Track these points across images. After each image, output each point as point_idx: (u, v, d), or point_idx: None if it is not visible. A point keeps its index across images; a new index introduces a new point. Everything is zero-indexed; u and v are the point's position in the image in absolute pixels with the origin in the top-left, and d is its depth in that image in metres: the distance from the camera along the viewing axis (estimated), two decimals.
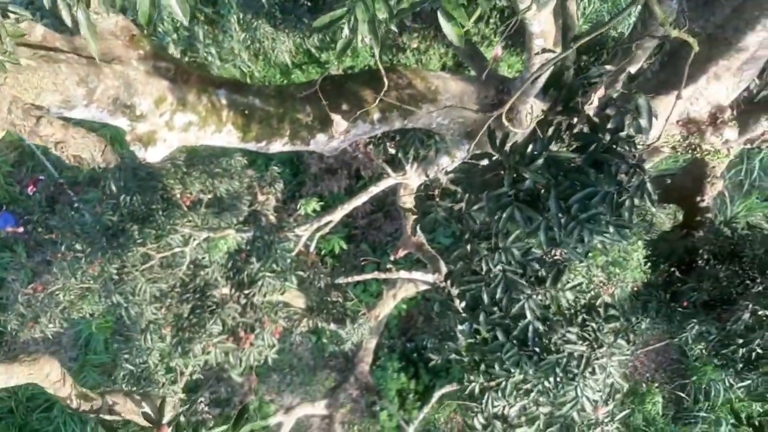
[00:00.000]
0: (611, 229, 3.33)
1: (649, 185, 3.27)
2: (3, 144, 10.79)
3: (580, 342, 4.12)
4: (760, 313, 6.06)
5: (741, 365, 5.87)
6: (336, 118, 4.04)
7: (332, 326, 8.31)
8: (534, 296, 4.06)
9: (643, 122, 3.35)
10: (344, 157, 11.52)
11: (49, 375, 2.91)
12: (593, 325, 4.16)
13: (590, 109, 3.59)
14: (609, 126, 3.34)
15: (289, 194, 11.42)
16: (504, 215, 3.39)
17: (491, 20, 8.14)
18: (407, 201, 6.77)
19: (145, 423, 2.69)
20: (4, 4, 2.87)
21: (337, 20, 1.95)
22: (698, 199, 8.12)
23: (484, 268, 4.10)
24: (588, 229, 3.27)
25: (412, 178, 6.59)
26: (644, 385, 9.46)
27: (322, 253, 11.53)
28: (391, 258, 7.04)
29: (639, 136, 3.45)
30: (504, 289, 4.05)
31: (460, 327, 4.64)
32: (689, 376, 11.03)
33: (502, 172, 3.38)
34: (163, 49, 4.29)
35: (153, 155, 4.28)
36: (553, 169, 3.28)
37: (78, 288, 6.64)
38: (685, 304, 7.00)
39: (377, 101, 4.21)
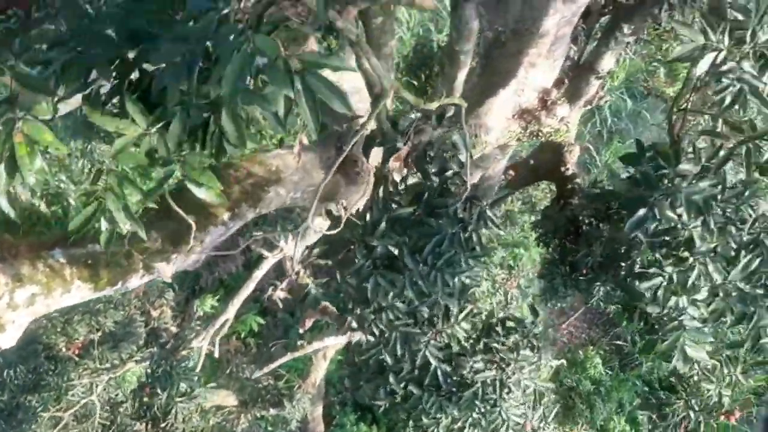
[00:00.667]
0: (470, 263, 3.41)
1: (488, 212, 3.36)
2: None
3: (489, 366, 4.18)
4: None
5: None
6: (160, 266, 3.92)
7: (272, 411, 8.09)
8: (432, 341, 4.10)
9: (462, 157, 3.45)
10: (231, 240, 11.26)
11: None
12: (495, 345, 4.23)
13: (413, 157, 3.67)
14: (434, 170, 3.42)
15: (189, 291, 11.05)
16: (369, 287, 3.40)
17: None
18: (294, 272, 6.69)
19: None
20: None
21: (91, 218, 1.88)
22: (563, 169, 8.50)
23: (377, 331, 4.09)
24: (448, 273, 3.33)
25: (291, 248, 6.52)
26: (580, 352, 9.79)
27: (243, 336, 11.22)
28: (300, 331, 6.93)
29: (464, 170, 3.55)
30: (402, 345, 4.06)
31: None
32: (620, 323, 11.45)
33: (352, 247, 3.40)
34: None
35: (6, 341, 4.00)
36: (398, 227, 3.33)
37: None
38: (584, 270, 7.28)
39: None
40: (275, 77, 1.59)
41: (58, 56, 1.83)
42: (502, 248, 8.48)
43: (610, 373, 10.33)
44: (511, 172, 8.95)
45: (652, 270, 3.04)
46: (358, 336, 6.10)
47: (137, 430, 5.91)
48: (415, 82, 8.56)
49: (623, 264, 3.50)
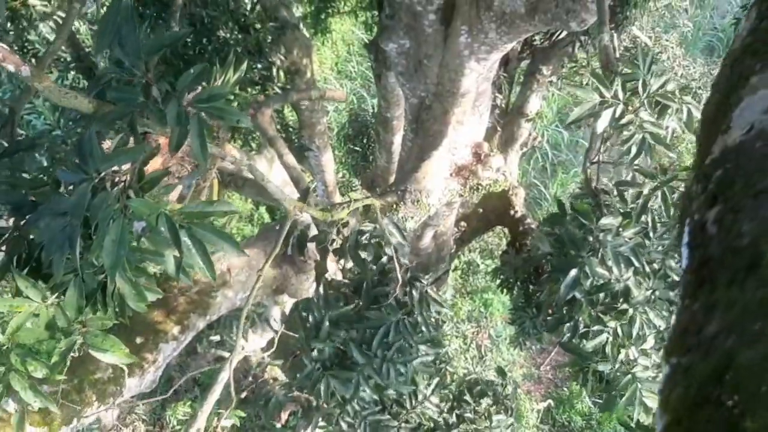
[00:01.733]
0: (421, 348, 3.36)
1: (430, 292, 3.34)
2: None
3: None
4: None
5: None
6: (128, 383, 3.81)
7: None
8: (403, 424, 3.99)
9: (395, 240, 3.44)
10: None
11: None
12: (469, 415, 4.15)
13: (346, 248, 3.64)
14: (369, 258, 3.39)
15: (162, 398, 10.69)
16: (322, 388, 3.31)
17: None
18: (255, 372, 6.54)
19: None
20: None
21: None
22: (512, 212, 8.60)
23: (345, 425, 3.98)
24: (400, 362, 3.27)
25: (244, 351, 6.40)
26: (566, 388, 9.67)
27: None
28: (277, 425, 6.73)
29: (401, 250, 3.54)
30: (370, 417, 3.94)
31: None
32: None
33: (298, 352, 3.32)
34: None
35: None
36: (343, 323, 3.27)
37: None
38: (549, 311, 7.27)
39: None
40: (157, 241, 1.56)
41: None
42: (469, 299, 8.41)
43: (599, 402, 10.20)
44: (463, 224, 9.02)
45: (595, 327, 3.04)
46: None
47: None
48: (358, 148, 8.67)
49: (567, 325, 3.48)
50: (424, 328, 3.29)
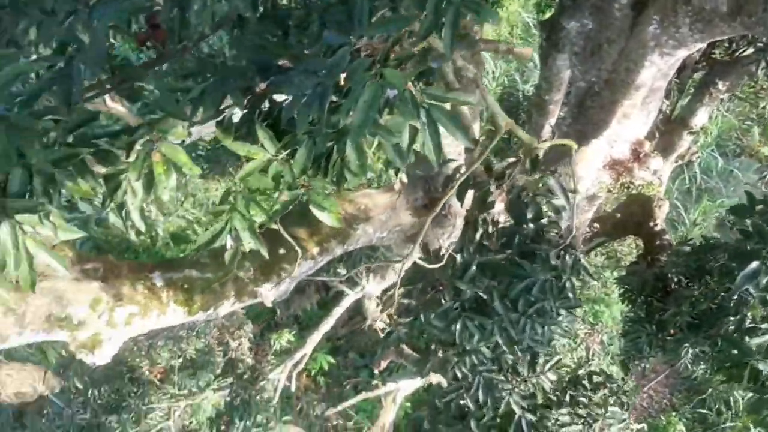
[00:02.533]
0: (562, 313, 3.34)
1: (583, 261, 3.30)
2: None
3: (575, 420, 4.03)
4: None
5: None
6: (263, 291, 4.03)
7: None
8: (516, 389, 4.00)
9: (558, 202, 3.41)
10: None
11: None
12: (583, 399, 4.09)
13: (506, 201, 3.66)
14: (529, 215, 3.40)
15: (264, 324, 11.25)
16: (457, 329, 3.37)
17: None
18: (374, 311, 6.73)
19: None
20: None
21: (219, 235, 1.98)
22: (651, 224, 8.24)
23: (459, 375, 4.04)
24: (539, 321, 3.26)
25: (372, 287, 6.58)
26: (662, 417, 9.26)
27: (312, 373, 11.26)
28: (375, 371, 6.93)
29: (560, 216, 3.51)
30: (485, 391, 3.98)
31: None
32: (704, 390, 10.83)
33: (441, 288, 3.40)
34: (87, 252, 4.29)
35: (102, 357, 4.18)
36: (488, 271, 3.31)
37: None
38: (672, 331, 6.96)
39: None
40: (404, 108, 1.65)
41: (195, 85, 1.96)
42: (583, 303, 8.21)
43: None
44: (596, 225, 8.75)
45: (765, 325, 2.89)
46: (436, 379, 6.03)
47: None
48: None
49: (731, 319, 3.33)
50: (570, 294, 3.26)
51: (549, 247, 3.28)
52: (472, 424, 4.09)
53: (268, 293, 4.78)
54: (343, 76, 1.75)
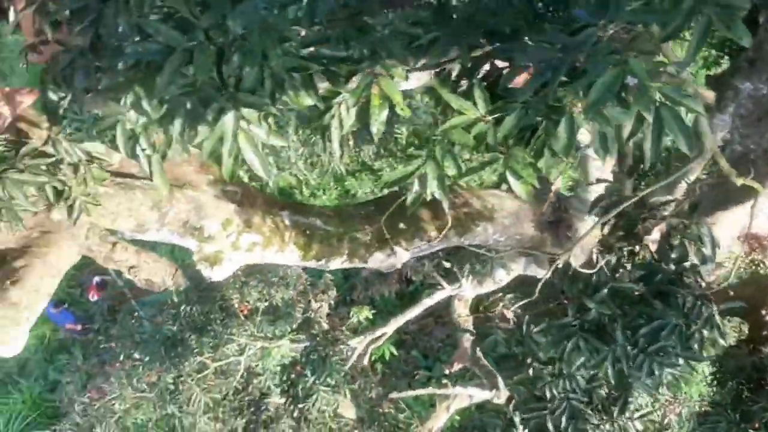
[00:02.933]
0: (681, 362, 3.23)
1: (717, 317, 3.18)
2: None
3: None
4: None
5: None
6: (399, 250, 4.12)
7: None
8: (601, 426, 3.90)
9: (707, 251, 3.31)
10: None
11: None
12: None
13: (651, 237, 3.58)
14: (673, 256, 3.31)
15: (341, 298, 11.45)
16: (569, 345, 3.33)
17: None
18: (462, 314, 6.73)
19: None
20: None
21: (408, 176, 2.05)
22: (763, 312, 7.79)
23: (548, 395, 3.98)
24: (657, 362, 3.17)
25: (467, 289, 6.58)
26: None
27: (372, 358, 11.37)
28: (446, 371, 6.92)
29: (704, 266, 3.40)
30: (569, 417, 3.91)
31: None
32: None
33: (565, 302, 3.36)
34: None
35: (218, 274, 4.42)
36: (618, 299, 3.25)
37: (133, 397, 6.70)
38: (756, 425, 6.59)
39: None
40: (641, 99, 1.65)
41: (425, 34, 2.04)
42: None
43: None
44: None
45: None
46: (503, 395, 5.96)
47: (274, 402, 6.18)
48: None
49: None
50: (696, 345, 3.15)
51: (686, 293, 3.18)
52: None
53: (377, 261, 4.89)
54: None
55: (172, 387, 6.40)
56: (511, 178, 1.94)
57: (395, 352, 11.28)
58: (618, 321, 3.23)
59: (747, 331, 8.30)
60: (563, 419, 3.91)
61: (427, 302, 6.43)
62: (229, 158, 2.04)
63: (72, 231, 3.45)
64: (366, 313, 8.37)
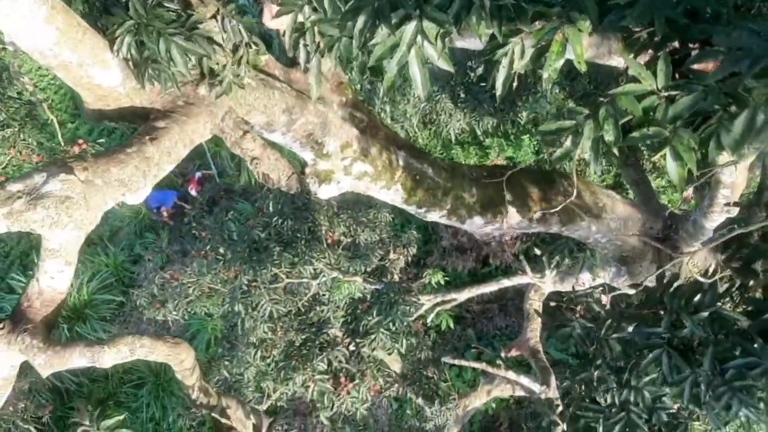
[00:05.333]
0: (762, 406, 3.10)
1: None
2: None
3: None
4: None
5: None
6: (511, 211, 4.11)
7: (420, 401, 8.20)
8: None
9: None
10: (476, 239, 11.52)
11: (183, 361, 3.11)
12: None
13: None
14: None
15: (415, 259, 11.55)
16: (651, 355, 3.26)
17: None
18: (535, 303, 6.65)
19: None
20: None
21: (564, 130, 2.04)
22: None
23: (608, 401, 3.93)
24: (739, 398, 3.06)
25: (548, 282, 6.49)
26: None
27: (428, 325, 11.48)
28: (502, 355, 6.91)
29: None
30: (622, 429, 3.85)
31: None
32: None
33: (662, 312, 3.27)
34: (361, 101, 4.60)
35: (324, 192, 4.55)
36: (717, 326, 3.13)
37: (208, 287, 7.07)
38: None
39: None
40: None
41: None
42: None
43: None
44: None
45: None
46: (552, 394, 5.90)
47: (335, 332, 6.37)
48: None
49: None
50: None
51: None
52: None
53: (475, 225, 4.90)
54: None
55: (245, 288, 6.71)
56: (669, 159, 1.89)
57: (452, 326, 11.33)
58: (710, 347, 3.12)
59: None
60: (616, 428, 3.86)
61: (505, 282, 6.39)
62: (396, 67, 2.09)
63: (212, 109, 3.64)
64: (439, 277, 8.42)
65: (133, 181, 3.23)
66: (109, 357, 2.92)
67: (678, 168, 1.87)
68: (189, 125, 3.51)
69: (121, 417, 3.01)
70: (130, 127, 3.98)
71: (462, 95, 7.94)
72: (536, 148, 11.01)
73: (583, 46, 1.93)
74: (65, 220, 2.76)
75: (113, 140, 11.75)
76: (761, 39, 1.73)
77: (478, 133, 11.12)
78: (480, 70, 6.98)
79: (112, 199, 3.14)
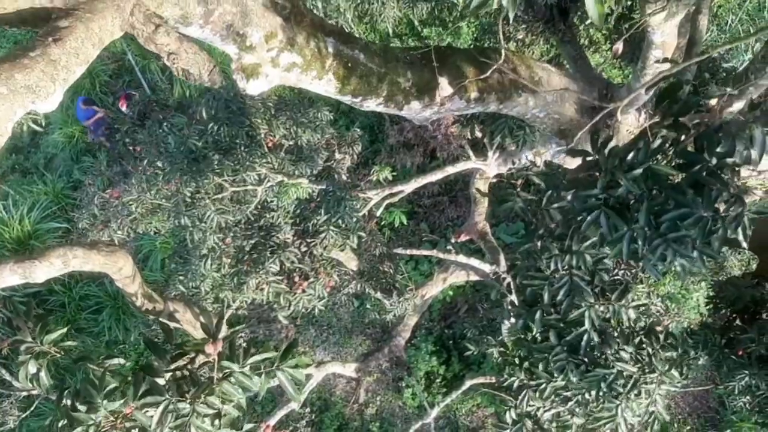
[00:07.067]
0: (695, 254, 3.23)
1: (746, 219, 3.14)
2: (105, 53, 11.24)
3: (632, 363, 4.02)
4: None
5: None
6: (442, 82, 4.01)
7: (378, 295, 8.38)
8: (596, 306, 3.99)
9: (754, 154, 3.20)
10: (423, 134, 11.49)
11: (122, 269, 3.04)
12: (649, 349, 4.05)
13: (700, 128, 3.45)
14: (718, 150, 3.21)
15: (362, 159, 11.49)
16: (589, 218, 3.32)
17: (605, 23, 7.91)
18: (480, 187, 6.72)
19: (201, 334, 2.78)
20: None
21: None
22: None
23: (552, 268, 4.04)
24: (673, 249, 3.17)
25: (492, 165, 6.54)
26: (675, 425, 9.20)
27: (382, 223, 11.60)
28: (452, 241, 7.01)
29: (745, 167, 3.31)
30: (567, 293, 3.99)
31: (511, 320, 4.60)
32: (723, 429, 10.69)
33: (597, 174, 3.31)
34: None
35: (253, 88, 4.36)
36: (651, 181, 3.19)
37: (151, 203, 6.89)
38: (739, 353, 6.77)
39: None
40: None
41: None
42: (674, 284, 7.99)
43: None
44: None
45: None
46: (498, 270, 6.07)
47: (285, 236, 6.33)
48: None
49: None
50: (716, 243, 3.14)
51: (722, 188, 3.12)
52: (537, 315, 4.14)
53: (417, 109, 4.80)
54: None
55: (189, 201, 6.56)
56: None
57: (405, 222, 11.48)
58: (645, 202, 3.19)
59: (755, 267, 8.31)
60: (561, 292, 3.99)
61: (450, 170, 6.41)
62: None
63: (118, 3, 3.36)
64: (387, 173, 8.40)
65: (41, 86, 3.00)
66: (42, 271, 2.81)
67: (597, 5, 1.80)
68: (95, 22, 3.24)
69: (64, 330, 2.94)
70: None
71: None
72: (475, 35, 10.79)
73: None
74: None
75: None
76: None
77: (416, 23, 10.82)
78: None
79: (21, 108, 2.92)
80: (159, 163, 6.68)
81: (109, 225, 6.74)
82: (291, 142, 7.38)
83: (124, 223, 6.72)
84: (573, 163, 6.11)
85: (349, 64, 4.46)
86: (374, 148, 11.65)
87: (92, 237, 6.90)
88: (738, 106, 4.39)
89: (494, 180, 6.89)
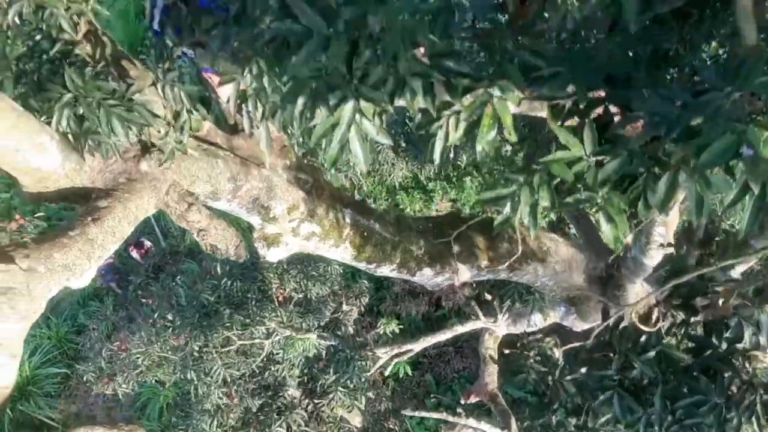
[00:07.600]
0: None
1: (759, 407, 3.15)
2: None
3: None
4: None
5: None
6: (462, 268, 4.18)
7: None
8: None
9: (762, 340, 3.28)
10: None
11: None
12: None
13: (709, 313, 3.56)
14: (727, 335, 3.29)
15: (368, 307, 11.52)
16: (602, 398, 3.34)
17: None
18: (490, 348, 6.72)
19: None
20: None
21: (502, 198, 2.13)
22: None
23: None
24: None
25: (501, 326, 6.58)
26: None
27: (386, 374, 11.39)
28: (461, 401, 6.91)
29: (756, 353, 3.37)
30: None
31: None
32: None
33: (612, 355, 3.37)
34: (305, 164, 4.65)
35: (273, 255, 4.54)
36: (664, 365, 3.25)
37: (158, 355, 6.87)
38: None
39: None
40: (753, 171, 1.70)
41: (547, 67, 2.13)
42: None
43: None
44: None
45: None
46: None
47: (292, 394, 6.26)
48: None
49: None
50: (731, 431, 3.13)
51: (733, 375, 3.16)
52: None
53: (425, 276, 4.96)
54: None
55: (196, 354, 6.55)
56: (602, 221, 1.99)
57: (410, 372, 11.28)
58: (659, 386, 3.22)
59: None
60: None
61: (459, 329, 6.45)
62: (337, 145, 2.15)
63: (155, 184, 3.61)
64: (393, 326, 8.41)
65: (77, 264, 3.15)
66: None
67: (612, 230, 1.97)
68: (132, 202, 3.47)
69: None
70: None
71: (403, 144, 8.11)
72: (478, 190, 11.25)
73: (512, 116, 2.03)
74: (7, 312, 2.67)
75: (51, 210, 11.42)
76: (673, 105, 1.86)
77: (421, 178, 11.32)
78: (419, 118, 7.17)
79: (56, 286, 3.06)
80: (170, 316, 6.74)
81: (115, 378, 6.68)
82: (300, 295, 7.49)
83: (131, 377, 6.66)
84: (581, 325, 6.17)
85: (365, 233, 4.67)
86: (379, 295, 11.70)
87: (96, 390, 6.81)
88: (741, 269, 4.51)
89: (506, 341, 6.91)
